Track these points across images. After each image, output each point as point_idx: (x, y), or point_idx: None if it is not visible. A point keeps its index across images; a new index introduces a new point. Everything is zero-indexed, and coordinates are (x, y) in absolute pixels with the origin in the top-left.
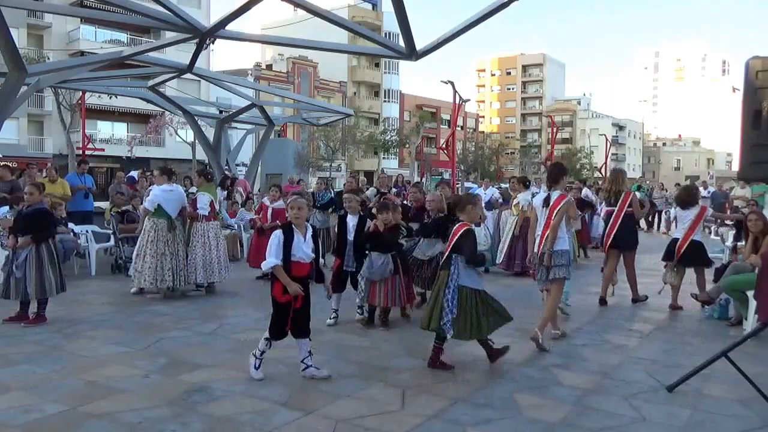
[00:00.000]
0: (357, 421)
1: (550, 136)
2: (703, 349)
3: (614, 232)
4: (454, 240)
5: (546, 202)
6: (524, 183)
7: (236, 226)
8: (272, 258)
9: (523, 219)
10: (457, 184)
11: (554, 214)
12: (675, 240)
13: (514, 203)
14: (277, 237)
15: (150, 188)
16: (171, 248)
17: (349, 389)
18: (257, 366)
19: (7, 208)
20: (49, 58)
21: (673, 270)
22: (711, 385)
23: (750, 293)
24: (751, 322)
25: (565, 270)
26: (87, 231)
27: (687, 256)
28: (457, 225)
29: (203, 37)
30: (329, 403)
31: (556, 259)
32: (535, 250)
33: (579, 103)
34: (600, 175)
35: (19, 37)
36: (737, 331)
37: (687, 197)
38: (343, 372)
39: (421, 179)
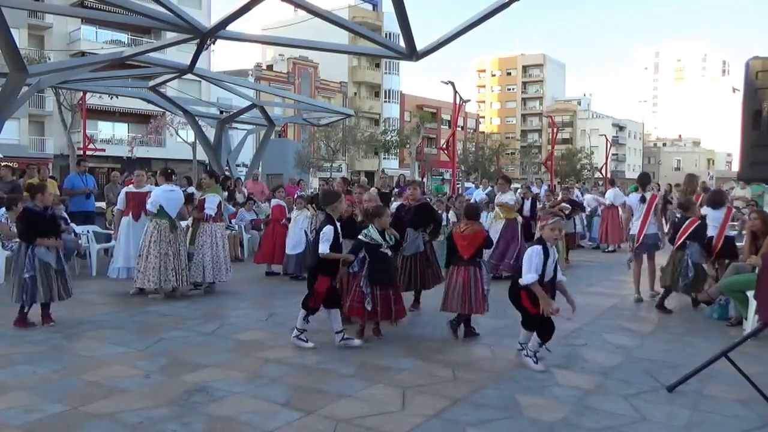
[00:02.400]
0: (357, 421)
1: (550, 137)
2: (703, 349)
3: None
4: (690, 230)
5: (643, 199)
6: (510, 182)
7: (236, 226)
8: (533, 273)
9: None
10: (458, 184)
11: (652, 208)
12: (711, 238)
13: (500, 203)
14: (539, 254)
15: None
16: (173, 248)
17: (350, 389)
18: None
19: (3, 209)
20: (50, 59)
21: (712, 265)
22: (711, 385)
23: (750, 293)
24: (751, 323)
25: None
26: (88, 231)
27: (723, 250)
28: (689, 219)
29: (204, 37)
30: (330, 404)
31: (650, 239)
32: (632, 232)
33: (579, 104)
34: (600, 176)
35: (20, 37)
36: (737, 332)
37: (718, 198)
38: (343, 372)
39: (422, 179)
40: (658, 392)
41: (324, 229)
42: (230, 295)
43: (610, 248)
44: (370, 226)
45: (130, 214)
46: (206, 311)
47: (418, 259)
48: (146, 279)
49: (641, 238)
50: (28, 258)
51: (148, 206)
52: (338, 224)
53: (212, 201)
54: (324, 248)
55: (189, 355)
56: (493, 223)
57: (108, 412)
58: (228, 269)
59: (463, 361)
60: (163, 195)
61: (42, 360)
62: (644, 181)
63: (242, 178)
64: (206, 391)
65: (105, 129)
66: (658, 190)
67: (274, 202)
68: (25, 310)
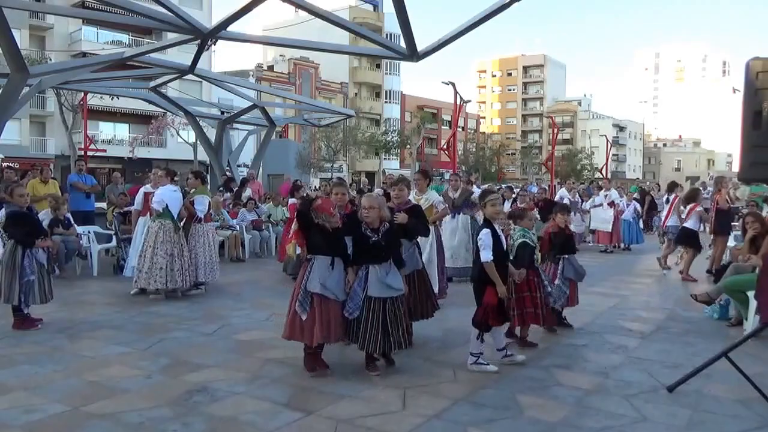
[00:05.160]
0: (358, 422)
1: (551, 137)
2: (703, 349)
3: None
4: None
5: (667, 200)
6: (429, 178)
7: (238, 227)
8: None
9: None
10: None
11: (673, 206)
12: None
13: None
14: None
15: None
16: (177, 249)
17: (350, 390)
18: None
19: (4, 210)
20: (51, 60)
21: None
22: (711, 385)
23: (750, 293)
24: (751, 323)
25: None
26: (89, 231)
27: (679, 238)
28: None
29: (205, 38)
30: (330, 404)
31: (671, 230)
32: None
33: (579, 104)
34: (601, 176)
35: (21, 38)
36: (737, 332)
37: (692, 195)
38: (344, 373)
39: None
40: (658, 392)
41: (481, 233)
42: (231, 296)
43: (609, 248)
44: (525, 229)
45: (149, 214)
46: (207, 312)
47: (416, 279)
48: (152, 279)
49: (664, 227)
50: (27, 260)
51: (154, 204)
52: (496, 226)
53: (202, 202)
54: (487, 255)
55: (190, 355)
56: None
57: (109, 412)
58: (217, 268)
59: (463, 361)
60: (168, 195)
61: (43, 360)
62: (672, 187)
63: (249, 179)
64: (207, 391)
65: (106, 129)
66: (659, 190)
67: (291, 201)
68: (26, 312)
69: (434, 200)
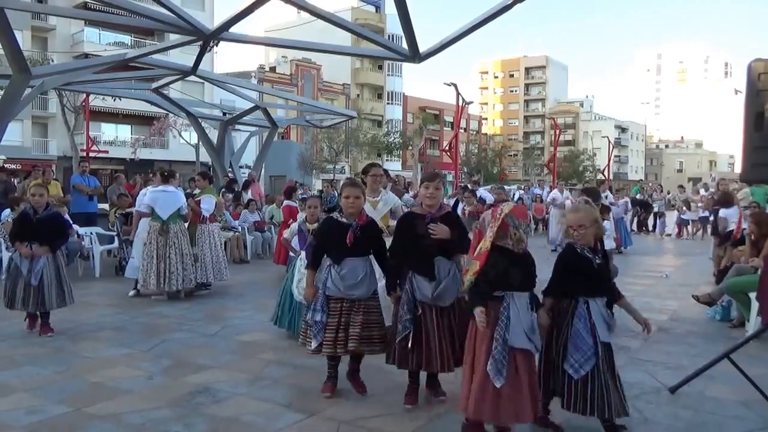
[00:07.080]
0: (360, 423)
1: (552, 139)
2: (705, 350)
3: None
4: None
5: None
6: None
7: (240, 228)
8: None
9: None
10: (460, 185)
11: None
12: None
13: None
14: None
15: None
16: (161, 251)
17: (352, 391)
18: None
19: (8, 210)
20: (53, 61)
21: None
22: (713, 386)
23: (752, 295)
24: (753, 324)
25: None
26: (91, 233)
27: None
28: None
29: (207, 39)
30: (332, 405)
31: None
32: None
33: (581, 105)
34: (603, 177)
35: (23, 39)
36: (739, 333)
37: (726, 199)
38: (346, 373)
39: None
40: (660, 393)
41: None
42: (233, 297)
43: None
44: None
45: None
46: (209, 313)
47: (456, 315)
48: (140, 278)
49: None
50: (9, 260)
51: (140, 207)
52: None
53: (209, 202)
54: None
55: (192, 356)
56: None
57: (111, 413)
58: (226, 268)
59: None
60: (151, 197)
61: (45, 361)
62: (725, 199)
63: (250, 181)
64: (209, 392)
65: (108, 131)
66: (660, 191)
67: (286, 203)
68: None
69: (394, 204)
